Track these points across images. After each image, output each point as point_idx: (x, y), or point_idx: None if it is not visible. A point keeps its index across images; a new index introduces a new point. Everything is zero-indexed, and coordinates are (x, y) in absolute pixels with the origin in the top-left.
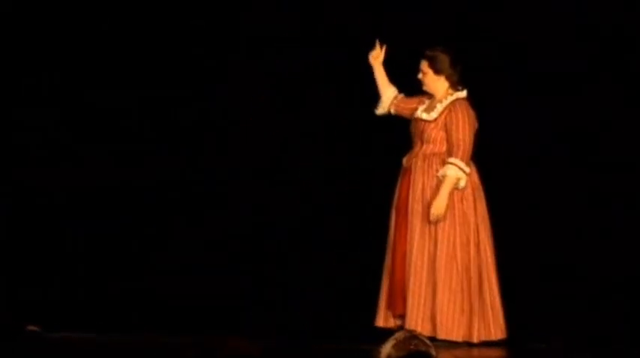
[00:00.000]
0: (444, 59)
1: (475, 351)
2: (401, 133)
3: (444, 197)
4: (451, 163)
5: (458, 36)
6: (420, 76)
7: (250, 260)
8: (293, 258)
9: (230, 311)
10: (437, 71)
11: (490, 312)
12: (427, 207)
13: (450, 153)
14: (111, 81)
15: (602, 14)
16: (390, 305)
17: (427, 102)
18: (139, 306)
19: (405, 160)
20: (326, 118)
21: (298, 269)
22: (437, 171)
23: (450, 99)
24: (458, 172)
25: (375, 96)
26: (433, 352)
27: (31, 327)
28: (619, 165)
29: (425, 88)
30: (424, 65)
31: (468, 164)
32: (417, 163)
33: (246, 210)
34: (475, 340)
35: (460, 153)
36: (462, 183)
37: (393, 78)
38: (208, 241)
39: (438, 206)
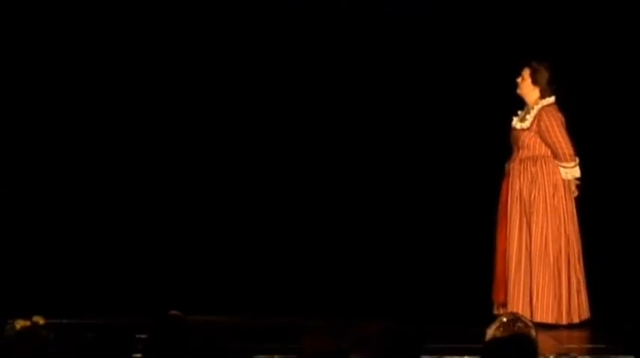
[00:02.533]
0: (544, 74)
1: (565, 332)
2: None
3: (572, 193)
4: (560, 167)
5: (456, 37)
6: (518, 79)
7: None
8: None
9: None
10: (535, 82)
11: (576, 297)
12: (523, 205)
13: (554, 157)
14: (112, 81)
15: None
16: (494, 295)
17: (520, 113)
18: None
19: (506, 165)
20: (328, 117)
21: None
22: (531, 172)
23: (537, 107)
24: (566, 173)
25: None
26: (533, 332)
27: (174, 312)
28: None
29: (518, 91)
30: (526, 73)
31: (572, 158)
32: (514, 167)
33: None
34: (564, 322)
35: (560, 154)
36: (575, 174)
37: (395, 77)
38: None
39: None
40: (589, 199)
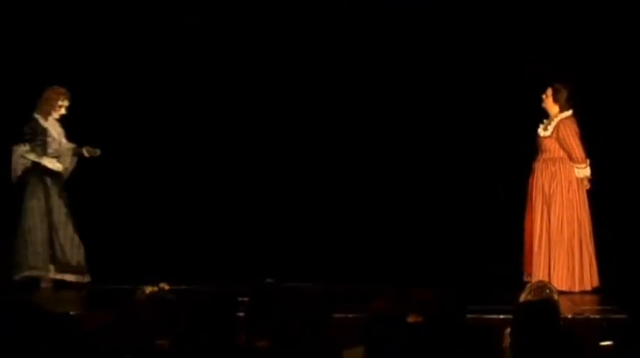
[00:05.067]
0: (564, 94)
1: (579, 296)
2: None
3: (585, 188)
4: (574, 167)
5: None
6: (543, 96)
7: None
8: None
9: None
10: (555, 100)
11: (588, 269)
12: (545, 196)
13: (569, 159)
14: (113, 79)
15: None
16: (524, 266)
17: (545, 121)
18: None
19: (533, 164)
20: (329, 117)
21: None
22: (551, 171)
23: (557, 119)
24: (579, 172)
25: (371, 97)
26: (556, 296)
27: (269, 280)
28: None
29: (543, 105)
30: (549, 91)
31: (583, 160)
32: (538, 166)
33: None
34: (577, 289)
35: (574, 157)
36: (586, 173)
37: (395, 77)
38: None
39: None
40: (599, 192)
